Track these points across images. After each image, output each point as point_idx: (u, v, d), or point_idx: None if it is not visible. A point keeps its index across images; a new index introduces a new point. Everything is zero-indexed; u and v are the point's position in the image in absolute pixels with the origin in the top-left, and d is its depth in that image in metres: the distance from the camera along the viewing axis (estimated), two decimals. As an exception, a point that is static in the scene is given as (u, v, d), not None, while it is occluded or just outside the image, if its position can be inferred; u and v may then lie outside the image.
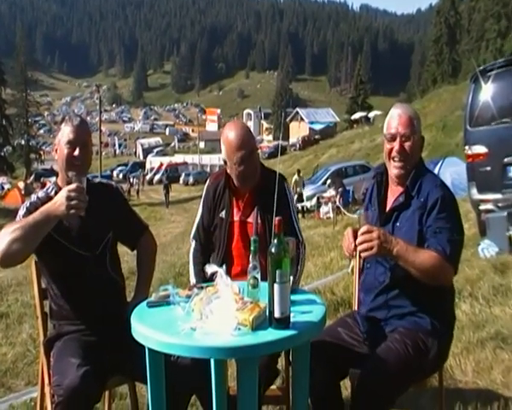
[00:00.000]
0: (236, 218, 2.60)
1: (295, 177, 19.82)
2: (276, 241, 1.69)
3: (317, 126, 66.66)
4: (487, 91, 6.54)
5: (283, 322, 1.67)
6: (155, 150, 77.58)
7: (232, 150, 2.50)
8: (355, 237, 2.08)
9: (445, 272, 2.05)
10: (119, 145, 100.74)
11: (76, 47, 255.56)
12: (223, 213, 2.61)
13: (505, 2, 39.26)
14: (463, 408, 2.74)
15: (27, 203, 2.28)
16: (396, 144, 2.18)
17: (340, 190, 17.15)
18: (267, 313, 1.70)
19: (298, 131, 67.66)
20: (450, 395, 2.69)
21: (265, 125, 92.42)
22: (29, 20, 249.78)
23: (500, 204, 6.32)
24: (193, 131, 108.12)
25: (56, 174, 2.43)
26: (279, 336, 1.64)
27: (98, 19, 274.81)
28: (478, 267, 5.31)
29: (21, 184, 35.01)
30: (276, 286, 1.66)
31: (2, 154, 43.57)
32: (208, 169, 47.35)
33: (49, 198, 2.23)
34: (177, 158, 60.11)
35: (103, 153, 55.34)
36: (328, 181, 19.27)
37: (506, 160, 6.32)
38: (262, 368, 1.79)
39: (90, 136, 2.40)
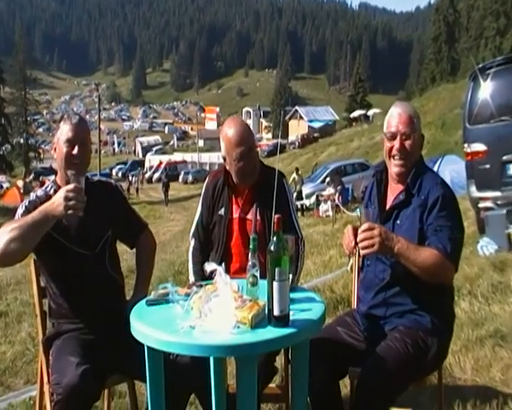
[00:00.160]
0: (236, 215, 2.60)
1: (294, 175, 19.83)
2: (275, 239, 1.69)
3: (316, 124, 66.65)
4: (486, 89, 6.54)
5: (282, 320, 1.67)
6: (154, 149, 77.61)
7: (231, 146, 2.50)
8: (355, 235, 2.08)
9: (445, 270, 2.05)
10: (118, 144, 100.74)
11: (75, 45, 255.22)
12: (222, 211, 2.61)
13: (504, 1, 39.26)
14: (463, 406, 2.74)
15: (26, 202, 2.28)
16: (396, 143, 2.18)
17: (339, 188, 17.13)
18: (266, 311, 1.70)
19: (297, 129, 67.65)
20: (449, 392, 2.69)
21: (264, 123, 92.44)
22: (28, 17, 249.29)
23: (499, 202, 6.33)
24: (192, 129, 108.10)
25: (55, 173, 2.42)
26: (278, 334, 1.64)
27: (97, 17, 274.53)
28: (477, 265, 5.31)
29: (20, 183, 34.99)
30: (275, 284, 1.66)
31: (1, 152, 43.52)
32: (207, 167, 47.35)
33: (48, 197, 2.23)
34: (177, 156, 60.09)
35: (102, 151, 55.28)
36: (328, 179, 19.24)
37: (505, 157, 6.33)
38: (260, 366, 1.79)
39: (88, 134, 2.39)
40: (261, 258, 1.82)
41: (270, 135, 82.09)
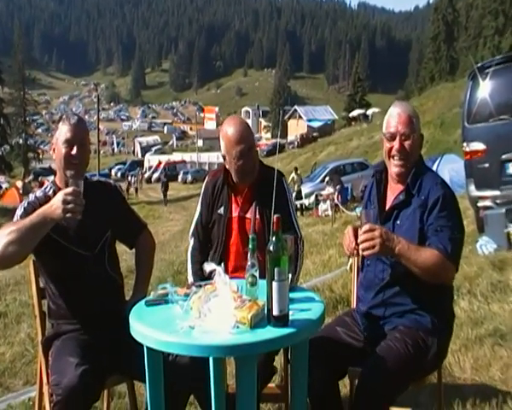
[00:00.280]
0: (235, 214, 2.61)
1: (293, 175, 19.83)
2: (274, 239, 1.69)
3: (315, 124, 66.61)
4: (485, 88, 6.54)
5: (282, 320, 1.67)
6: (153, 149, 77.60)
7: (231, 145, 2.50)
8: (355, 236, 2.08)
9: (446, 271, 2.05)
10: (118, 144, 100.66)
11: (74, 45, 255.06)
12: (221, 209, 2.61)
13: (503, 0, 39.23)
14: (462, 405, 2.74)
15: (25, 203, 2.27)
16: (396, 143, 2.18)
17: (338, 187, 17.14)
18: (265, 311, 1.70)
19: (296, 128, 67.59)
20: (448, 392, 2.69)
21: (263, 123, 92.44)
22: (26, 18, 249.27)
23: (498, 201, 6.33)
24: (191, 129, 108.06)
25: (54, 173, 2.42)
26: (277, 334, 1.64)
27: (96, 17, 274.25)
28: (476, 264, 5.32)
29: (19, 183, 34.89)
30: (274, 284, 1.66)
31: (0, 153, 43.44)
32: (206, 167, 47.34)
33: (47, 198, 2.23)
34: (176, 156, 60.05)
35: (101, 151, 55.24)
36: (327, 179, 19.25)
37: (504, 156, 6.33)
38: (259, 366, 1.79)
39: (87, 134, 2.39)
40: (260, 257, 1.82)
41: (269, 134, 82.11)
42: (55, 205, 2.01)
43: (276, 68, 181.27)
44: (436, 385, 2.31)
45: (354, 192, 18.27)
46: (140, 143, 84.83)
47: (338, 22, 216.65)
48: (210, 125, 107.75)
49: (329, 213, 15.66)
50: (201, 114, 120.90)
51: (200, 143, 68.88)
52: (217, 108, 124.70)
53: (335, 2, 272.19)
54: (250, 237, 1.82)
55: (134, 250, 2.54)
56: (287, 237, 1.83)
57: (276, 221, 1.71)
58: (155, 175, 46.78)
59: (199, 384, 2.03)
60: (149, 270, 2.55)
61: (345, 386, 2.52)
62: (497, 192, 6.38)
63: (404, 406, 2.41)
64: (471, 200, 6.82)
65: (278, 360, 2.62)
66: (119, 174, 50.81)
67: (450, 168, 13.51)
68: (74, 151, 2.25)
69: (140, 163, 56.51)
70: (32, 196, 2.33)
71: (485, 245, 6.03)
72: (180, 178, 44.82)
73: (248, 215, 2.58)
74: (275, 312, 1.66)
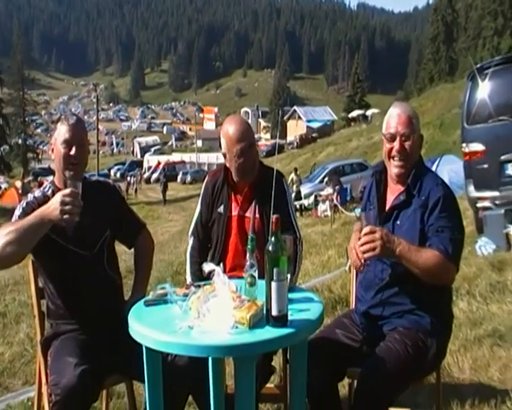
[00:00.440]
0: (235, 212, 2.62)
1: (292, 175, 19.83)
2: (273, 239, 1.69)
3: (315, 125, 66.65)
4: (484, 89, 6.55)
5: (281, 320, 1.67)
6: (153, 149, 77.54)
7: (232, 143, 2.52)
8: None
9: (447, 271, 2.06)
10: (117, 144, 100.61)
11: (73, 45, 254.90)
12: (221, 208, 2.62)
13: (502, 1, 39.23)
14: (461, 405, 2.74)
15: (24, 203, 2.27)
16: (396, 144, 2.18)
17: (337, 188, 17.14)
18: (264, 312, 1.70)
19: (295, 129, 67.62)
20: (447, 392, 2.69)
21: (263, 123, 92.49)
22: (26, 18, 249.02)
23: (497, 202, 6.33)
24: (190, 129, 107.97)
25: (53, 173, 2.42)
26: (276, 334, 1.64)
27: (95, 17, 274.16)
28: (475, 265, 5.32)
29: (19, 184, 34.81)
30: (273, 284, 1.66)
31: (0, 153, 43.47)
32: (206, 168, 47.29)
33: (45, 198, 2.23)
34: (175, 157, 60.01)
35: (101, 152, 55.14)
36: (326, 179, 19.26)
37: (503, 157, 6.34)
38: (257, 366, 1.79)
39: (86, 135, 2.39)
40: (258, 255, 1.82)
41: (268, 135, 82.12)
42: (53, 206, 2.01)
43: (275, 69, 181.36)
44: (435, 386, 2.31)
45: (353, 193, 18.27)
46: (139, 144, 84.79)
47: (337, 23, 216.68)
48: (209, 125, 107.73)
49: (328, 213, 15.66)
50: (201, 115, 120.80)
51: (199, 143, 68.82)
52: (216, 109, 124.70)
53: (335, 2, 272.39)
54: (249, 237, 1.82)
55: (133, 250, 2.54)
56: (286, 238, 1.83)
57: (275, 221, 1.71)
58: (154, 175, 46.74)
59: (198, 384, 2.03)
60: (148, 270, 2.55)
61: (344, 387, 2.52)
62: (496, 193, 6.38)
63: (402, 406, 2.41)
64: (470, 201, 6.83)
65: (277, 361, 2.62)
66: (118, 175, 50.78)
67: (449, 169, 13.50)
68: (73, 152, 2.25)
69: (139, 163, 56.46)
70: (30, 197, 2.32)
71: (485, 246, 6.03)
72: (179, 178, 44.79)
73: (248, 214, 2.59)
74: (274, 312, 1.66)
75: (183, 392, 2.18)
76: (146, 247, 2.55)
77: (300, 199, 19.06)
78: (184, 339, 1.62)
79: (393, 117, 2.21)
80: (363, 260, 2.07)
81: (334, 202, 15.81)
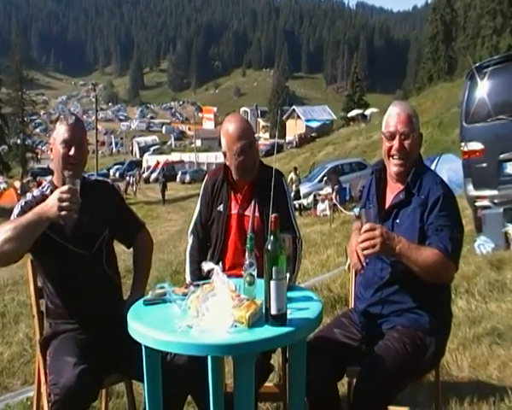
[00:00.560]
0: (234, 211, 2.62)
1: (292, 174, 19.83)
2: (272, 238, 1.69)
3: (314, 124, 66.61)
4: (483, 88, 6.55)
5: (280, 319, 1.67)
6: (152, 149, 77.50)
7: (232, 141, 2.52)
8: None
9: (446, 270, 2.06)
10: (116, 144, 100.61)
11: (72, 45, 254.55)
12: (221, 207, 2.62)
13: (500, 0, 39.27)
14: (460, 403, 2.75)
15: (22, 202, 2.27)
16: (395, 142, 2.19)
17: (336, 187, 17.15)
18: (263, 310, 1.70)
19: (294, 128, 67.56)
20: (446, 390, 2.70)
21: (262, 123, 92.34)
22: (24, 17, 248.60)
23: (496, 200, 6.34)
24: (189, 129, 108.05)
25: (52, 173, 2.42)
26: (275, 333, 1.64)
27: (94, 16, 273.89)
28: (474, 264, 5.33)
29: (18, 184, 34.87)
30: (272, 283, 1.66)
31: (-1, 153, 43.47)
32: (205, 167, 47.29)
33: (44, 197, 2.23)
34: (174, 156, 59.99)
35: (100, 152, 55.11)
36: (325, 179, 19.28)
37: (502, 156, 6.34)
38: (256, 365, 1.79)
39: (85, 134, 2.39)
40: (257, 254, 1.83)
41: (267, 135, 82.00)
42: (51, 203, 2.01)
43: (274, 68, 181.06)
44: (434, 384, 2.31)
45: (352, 192, 18.28)
46: (138, 143, 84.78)
47: (336, 22, 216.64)
48: (208, 125, 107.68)
49: (328, 213, 15.66)
50: (200, 114, 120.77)
51: (198, 143, 68.78)
52: (215, 108, 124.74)
53: (334, 1, 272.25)
54: (248, 236, 1.82)
55: (132, 250, 2.54)
56: (285, 237, 1.83)
57: (273, 220, 1.71)
58: (153, 175, 46.76)
59: (197, 384, 2.03)
60: (147, 269, 2.55)
61: (343, 385, 2.52)
62: (494, 192, 6.39)
63: (401, 405, 2.41)
64: (469, 199, 6.83)
65: (276, 360, 2.62)
66: (117, 174, 50.77)
67: (448, 168, 13.50)
68: (72, 151, 2.25)
69: (138, 163, 56.50)
70: (29, 196, 2.32)
71: (483, 245, 6.04)
72: (178, 178, 44.79)
73: (247, 213, 2.60)
74: (273, 311, 1.66)
75: (183, 391, 2.18)
76: (145, 246, 2.55)
77: (300, 198, 19.06)
78: (183, 338, 1.62)
79: (393, 116, 2.21)
80: (364, 263, 2.08)
81: (334, 201, 15.82)
